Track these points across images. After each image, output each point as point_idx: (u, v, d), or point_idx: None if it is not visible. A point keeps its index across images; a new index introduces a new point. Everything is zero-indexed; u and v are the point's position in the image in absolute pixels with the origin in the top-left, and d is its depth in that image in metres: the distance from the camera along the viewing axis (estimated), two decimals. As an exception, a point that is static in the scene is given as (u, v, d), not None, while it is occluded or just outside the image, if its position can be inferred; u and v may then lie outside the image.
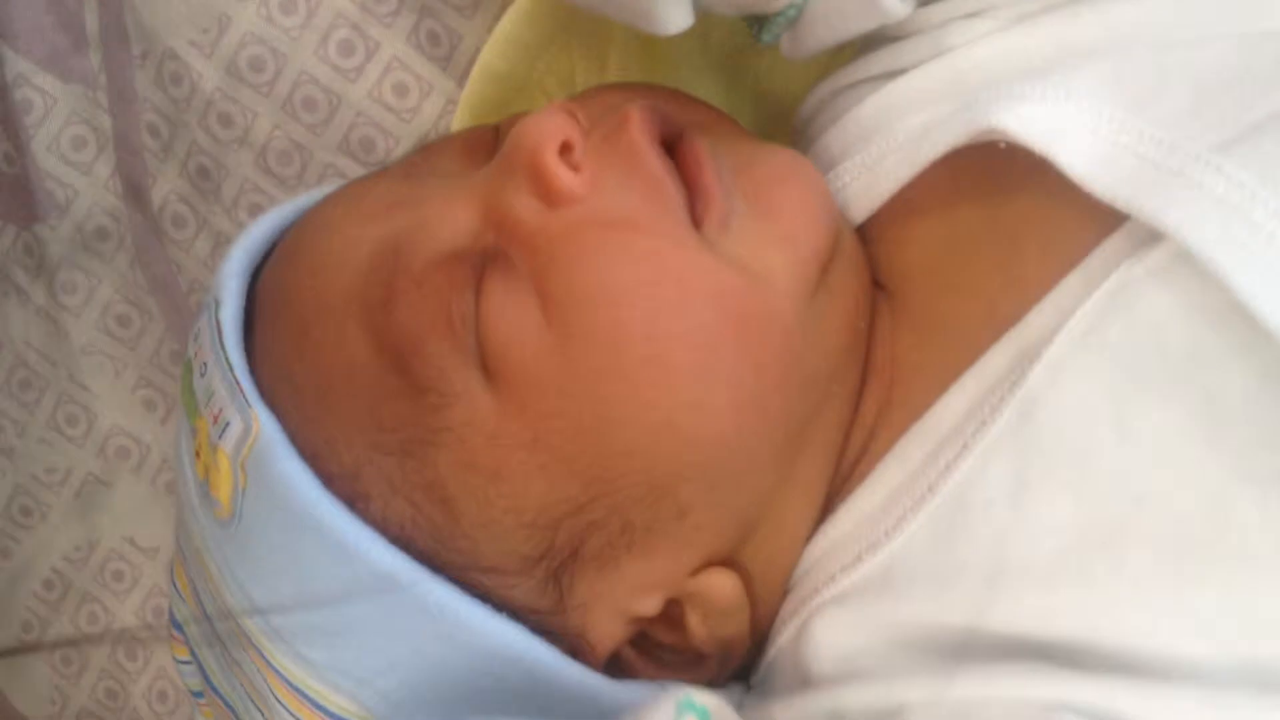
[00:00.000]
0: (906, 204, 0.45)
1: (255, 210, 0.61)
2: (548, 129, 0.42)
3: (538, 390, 0.41)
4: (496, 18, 0.55)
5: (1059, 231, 0.40)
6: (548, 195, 0.42)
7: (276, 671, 0.44)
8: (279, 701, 0.45)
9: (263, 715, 0.47)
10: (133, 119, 0.61)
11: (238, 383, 0.44)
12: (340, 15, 0.57)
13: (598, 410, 0.41)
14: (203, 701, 0.54)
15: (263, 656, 0.44)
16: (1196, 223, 0.36)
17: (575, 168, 0.42)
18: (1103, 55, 0.42)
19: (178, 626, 0.52)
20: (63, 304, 0.64)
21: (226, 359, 0.44)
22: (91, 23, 0.61)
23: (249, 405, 0.43)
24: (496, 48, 0.54)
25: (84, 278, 0.64)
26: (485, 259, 0.42)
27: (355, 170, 0.59)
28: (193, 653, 0.51)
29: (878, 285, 0.46)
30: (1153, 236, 0.37)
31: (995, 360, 0.41)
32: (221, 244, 0.62)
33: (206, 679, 0.50)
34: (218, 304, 0.46)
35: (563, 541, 0.42)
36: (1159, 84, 0.40)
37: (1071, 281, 0.39)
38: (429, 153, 0.49)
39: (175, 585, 0.51)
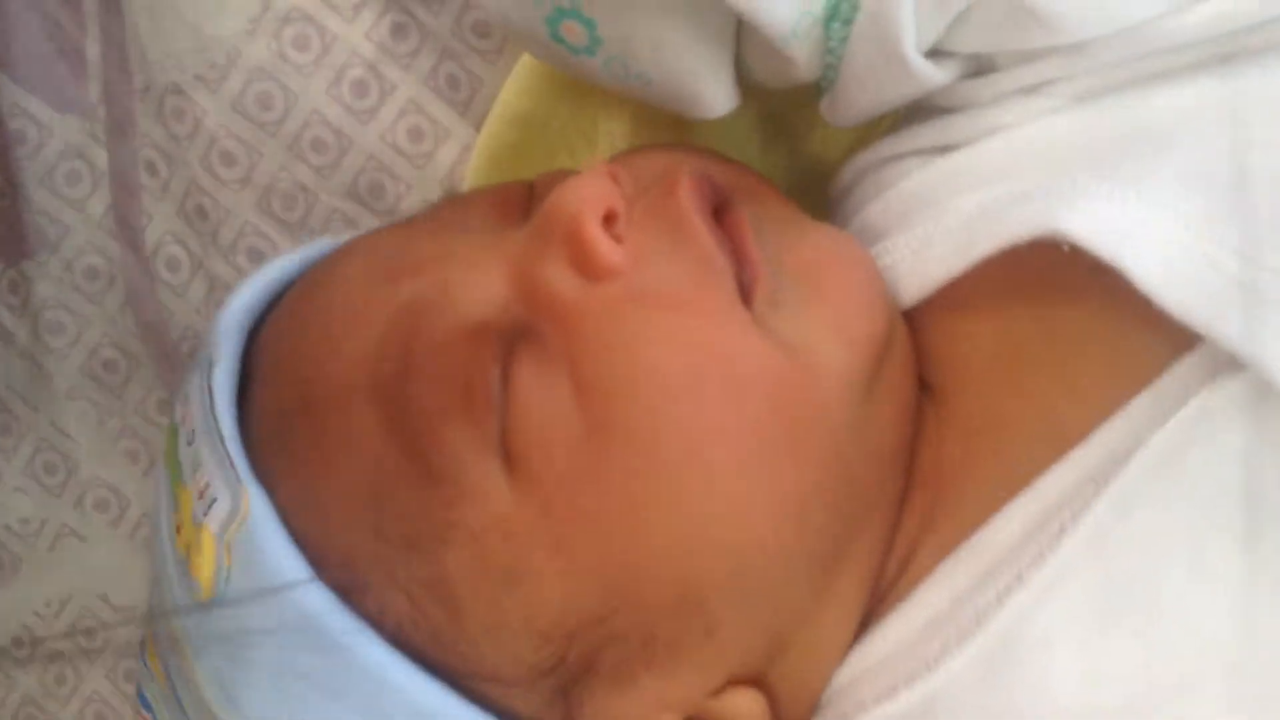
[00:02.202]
0: (956, 294, 0.41)
1: (254, 254, 0.57)
2: (590, 195, 0.39)
3: (565, 486, 0.37)
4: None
5: (1127, 344, 0.37)
6: (588, 269, 0.39)
7: None
8: None
9: None
10: (130, 154, 0.59)
11: (229, 456, 0.40)
12: (355, 54, 0.55)
13: (629, 511, 0.37)
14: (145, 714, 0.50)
15: None
16: (1262, 347, 0.34)
17: (618, 239, 0.39)
18: (1177, 145, 0.39)
19: (146, 705, 0.48)
20: (48, 345, 0.61)
21: (218, 428, 0.41)
22: (92, 51, 0.58)
23: (239, 481, 0.40)
24: (518, 84, 0.51)
25: (71, 319, 0.61)
26: (514, 334, 0.39)
27: (363, 216, 0.56)
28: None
29: (922, 382, 0.43)
30: (1234, 362, 0.35)
31: (1056, 481, 0.37)
32: (217, 289, 0.59)
33: None
34: (211, 364, 0.42)
35: (577, 654, 0.39)
36: (1242, 177, 0.37)
37: (1142, 402, 0.36)
38: (456, 206, 0.46)
39: (145, 662, 0.47)
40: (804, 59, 0.43)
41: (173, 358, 0.60)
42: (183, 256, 0.59)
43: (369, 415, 0.39)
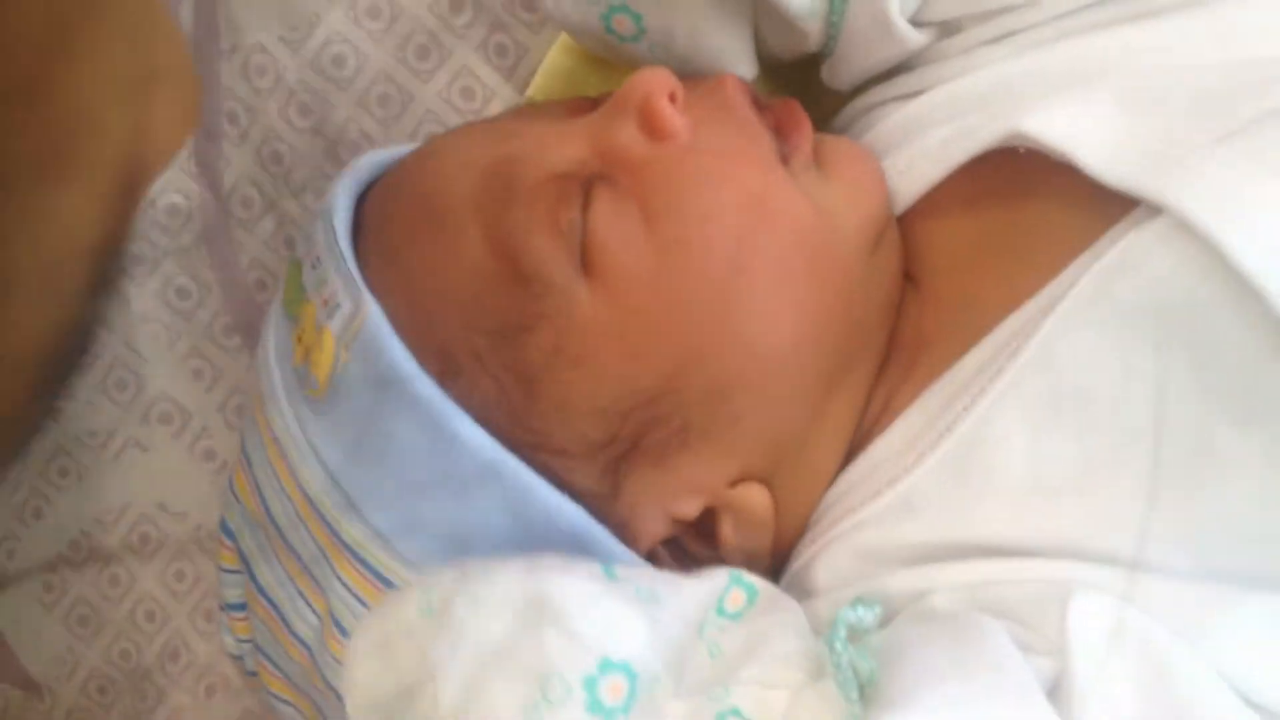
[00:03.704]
0: (934, 203, 0.52)
1: (321, 195, 0.66)
2: (658, 80, 0.50)
3: (633, 288, 0.47)
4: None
5: (1073, 220, 0.46)
6: (658, 131, 0.49)
7: (345, 547, 0.49)
8: (340, 580, 0.49)
9: (311, 609, 0.52)
10: (215, 106, 0.67)
11: (350, 270, 0.49)
12: (419, 23, 0.64)
13: (683, 310, 0.47)
14: (238, 615, 0.58)
15: (332, 532, 0.49)
16: (1193, 196, 0.43)
17: (680, 110, 0.49)
18: (1111, 73, 0.49)
19: (228, 533, 0.56)
20: (130, 274, 0.69)
21: (340, 251, 0.50)
22: (186, 16, 0.67)
23: (360, 289, 0.49)
24: (561, 51, 0.61)
25: (150, 249, 0.69)
26: (593, 179, 0.49)
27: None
28: (242, 556, 0.56)
29: (907, 274, 0.53)
30: (1155, 214, 0.44)
31: (1010, 323, 0.47)
32: (285, 224, 0.68)
33: (253, 579, 0.54)
34: (333, 207, 0.52)
35: (628, 431, 0.48)
36: (1161, 95, 0.48)
37: (1083, 258, 0.45)
38: (536, 108, 0.56)
39: (234, 490, 0.55)
40: (813, 32, 0.54)
41: (240, 286, 0.69)
42: (256, 197, 0.68)
43: (473, 233, 0.49)
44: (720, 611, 0.45)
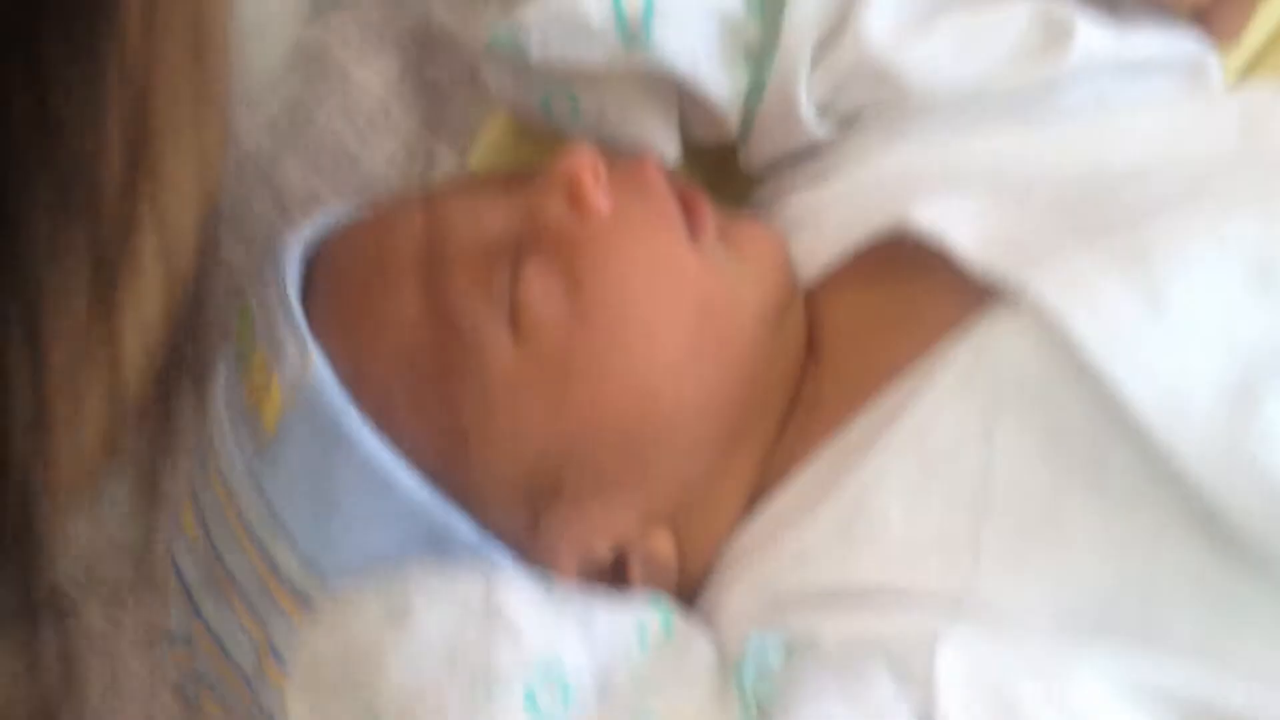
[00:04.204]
0: (835, 280, 0.58)
1: (270, 245, 0.70)
2: (583, 158, 0.55)
3: (554, 349, 0.53)
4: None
5: (950, 301, 0.52)
6: (580, 206, 0.55)
7: (284, 580, 0.53)
8: (279, 611, 0.54)
9: (249, 638, 0.56)
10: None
11: (297, 323, 0.54)
12: (367, 90, 0.69)
13: (598, 371, 0.53)
14: (176, 651, 0.61)
15: (272, 566, 0.53)
16: (1046, 286, 0.48)
17: (603, 188, 0.55)
18: (985, 174, 0.56)
19: (175, 567, 0.60)
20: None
21: (288, 304, 0.55)
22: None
23: (305, 340, 0.54)
24: (499, 129, 0.67)
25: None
26: (523, 248, 0.54)
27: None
28: (185, 587, 0.59)
29: (810, 344, 0.58)
30: (1015, 301, 0.50)
31: (893, 393, 0.52)
32: (233, 274, 0.71)
33: (196, 609, 0.58)
34: (282, 261, 0.57)
35: (546, 479, 0.53)
36: (1026, 196, 0.54)
37: (955, 336, 0.51)
38: (474, 179, 0.62)
39: (180, 525, 0.59)
40: (731, 122, 0.60)
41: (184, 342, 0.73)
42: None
43: (413, 293, 0.54)
44: (641, 636, 0.50)
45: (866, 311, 0.56)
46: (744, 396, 0.55)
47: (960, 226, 0.52)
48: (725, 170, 0.64)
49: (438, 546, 0.52)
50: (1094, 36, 0.56)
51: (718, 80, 0.59)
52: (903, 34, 0.57)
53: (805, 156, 0.61)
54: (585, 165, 0.55)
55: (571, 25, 0.58)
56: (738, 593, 0.54)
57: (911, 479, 0.50)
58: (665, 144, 0.60)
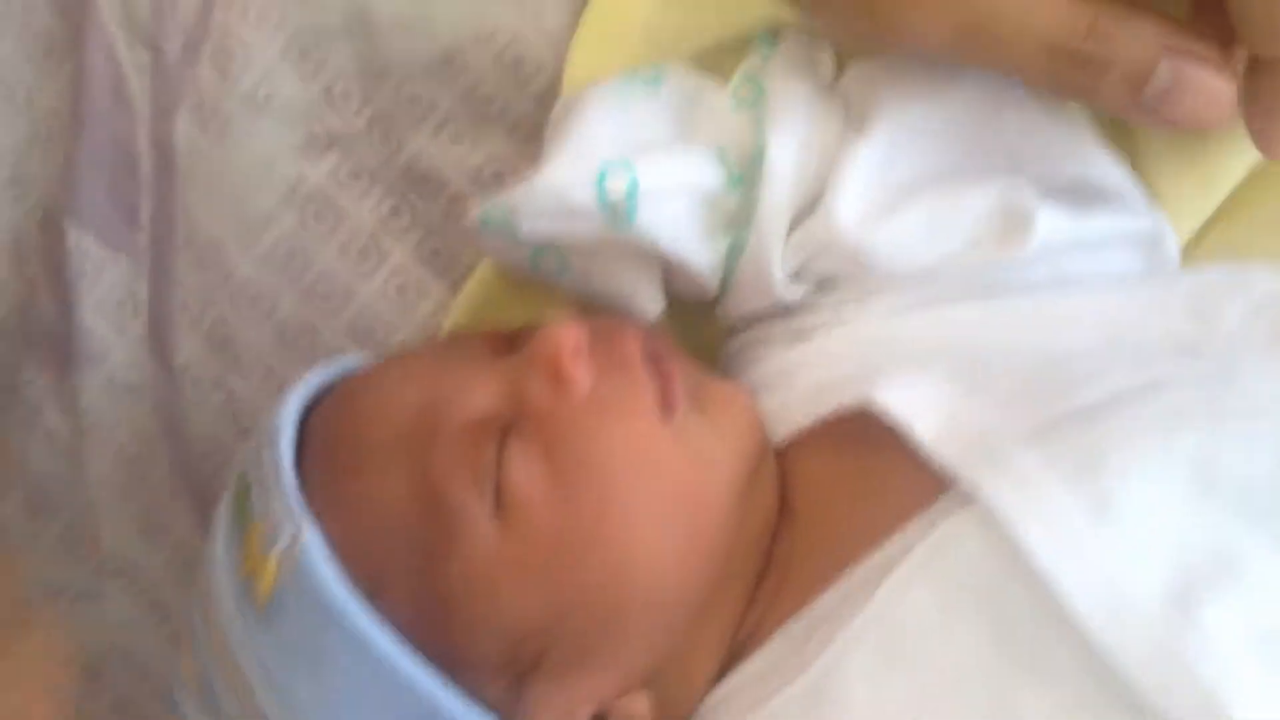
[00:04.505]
0: (806, 442, 0.59)
1: (269, 374, 0.72)
2: (566, 338, 0.57)
3: (536, 529, 0.55)
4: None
5: (917, 477, 0.53)
6: (563, 388, 0.56)
7: None
8: None
9: None
10: (169, 294, 0.73)
11: (290, 498, 0.56)
12: (361, 227, 0.71)
13: (578, 550, 0.54)
14: None
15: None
16: (1000, 490, 0.50)
17: (583, 367, 0.57)
18: (952, 349, 0.57)
19: (178, 709, 0.62)
20: (85, 442, 0.75)
21: (283, 480, 0.57)
22: (145, 209, 0.73)
23: (298, 516, 0.56)
24: (485, 276, 0.68)
25: (106, 420, 0.75)
26: (506, 428, 0.56)
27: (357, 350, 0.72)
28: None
29: (783, 502, 0.59)
30: (972, 499, 0.51)
31: (861, 571, 0.53)
32: (233, 400, 0.74)
33: None
34: (277, 432, 0.59)
35: (529, 652, 0.55)
36: (988, 381, 0.55)
37: (922, 518, 0.52)
38: (457, 341, 0.63)
39: (180, 673, 0.62)
40: (711, 285, 0.62)
41: (189, 455, 0.75)
42: (205, 376, 0.74)
43: (402, 474, 0.56)
44: None
45: (836, 479, 0.57)
46: (718, 563, 0.56)
47: (923, 412, 0.53)
48: (703, 315, 0.65)
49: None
50: (1053, 222, 0.57)
51: (699, 252, 0.61)
52: (871, 215, 0.59)
53: (779, 314, 0.62)
54: (567, 345, 0.57)
55: (558, 208, 0.60)
56: None
57: (874, 663, 0.51)
58: (648, 304, 0.63)
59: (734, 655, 0.57)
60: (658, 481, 0.56)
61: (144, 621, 0.77)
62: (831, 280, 0.61)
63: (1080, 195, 0.58)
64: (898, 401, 0.54)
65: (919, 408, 0.54)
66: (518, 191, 0.61)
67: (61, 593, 0.77)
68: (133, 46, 0.71)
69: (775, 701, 0.53)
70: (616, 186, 0.59)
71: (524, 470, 0.55)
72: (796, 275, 0.61)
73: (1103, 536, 0.48)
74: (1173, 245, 0.60)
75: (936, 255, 0.59)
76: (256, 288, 0.72)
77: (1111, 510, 0.48)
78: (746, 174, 0.61)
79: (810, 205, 0.60)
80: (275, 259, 0.71)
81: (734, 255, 0.61)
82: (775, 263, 0.60)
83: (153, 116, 0.72)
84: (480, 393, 0.57)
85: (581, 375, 0.57)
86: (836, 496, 0.57)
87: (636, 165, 0.60)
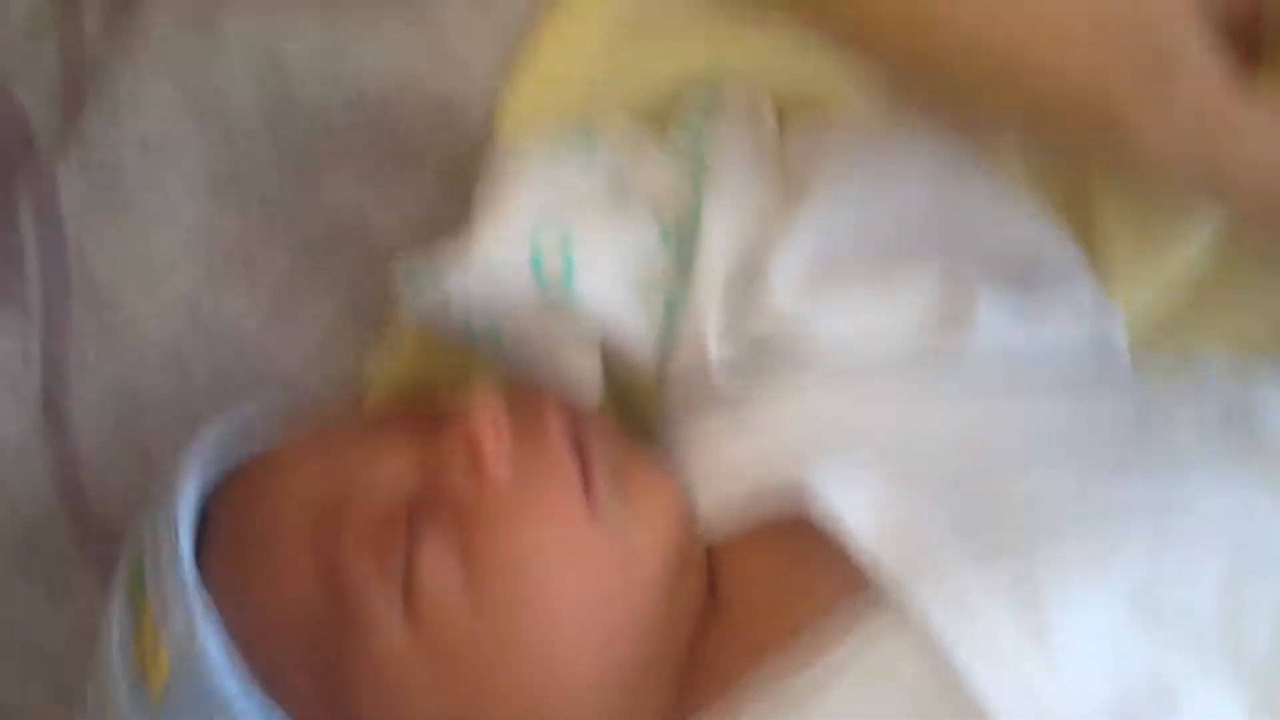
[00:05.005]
0: (738, 536, 0.56)
1: (183, 427, 0.67)
2: (486, 421, 0.54)
3: (447, 630, 0.52)
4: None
5: (844, 574, 0.51)
6: (480, 477, 0.53)
7: None
8: None
9: None
10: (63, 348, 0.68)
11: (186, 585, 0.53)
12: (278, 280, 0.66)
13: (494, 654, 0.52)
14: None
15: None
16: (933, 606, 0.48)
17: (502, 453, 0.54)
18: (885, 440, 0.55)
19: None
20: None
21: (179, 564, 0.54)
22: (32, 257, 0.67)
23: (194, 604, 0.53)
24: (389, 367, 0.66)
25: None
26: (420, 517, 0.53)
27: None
28: None
29: (716, 593, 0.57)
30: (904, 608, 0.49)
31: (781, 662, 0.51)
32: (141, 458, 0.69)
33: None
34: (175, 514, 0.55)
35: None
36: (923, 474, 0.53)
37: (844, 615, 0.50)
38: (375, 416, 0.60)
39: None
40: (650, 362, 0.59)
41: (90, 520, 0.70)
42: (107, 435, 0.69)
43: (307, 570, 0.53)
44: None
45: (767, 573, 0.55)
46: (644, 657, 0.54)
47: (856, 510, 0.51)
48: (643, 396, 0.63)
49: None
50: (994, 321, 0.56)
51: (636, 326, 0.58)
52: (808, 288, 0.57)
53: (718, 401, 0.59)
54: (487, 427, 0.54)
55: (491, 280, 0.57)
56: None
57: None
58: (586, 389, 0.60)
59: None
60: (579, 581, 0.53)
61: (42, 700, 0.72)
62: (766, 347, 0.58)
63: (1026, 274, 0.57)
64: (829, 495, 0.52)
65: (851, 503, 0.51)
66: (449, 259, 0.57)
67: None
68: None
69: None
70: (551, 252, 0.56)
71: (436, 568, 0.52)
72: (729, 335, 0.58)
73: (1040, 664, 0.46)
74: (1119, 330, 0.59)
75: (874, 338, 0.57)
76: (162, 342, 0.67)
77: (1049, 634, 0.47)
78: (682, 231, 0.59)
79: (747, 268, 0.58)
80: (181, 312, 0.66)
81: (670, 315, 0.58)
82: (710, 318, 0.57)
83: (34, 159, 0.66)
84: (395, 478, 0.54)
85: (500, 465, 0.54)
86: (766, 592, 0.55)
87: (572, 230, 0.57)
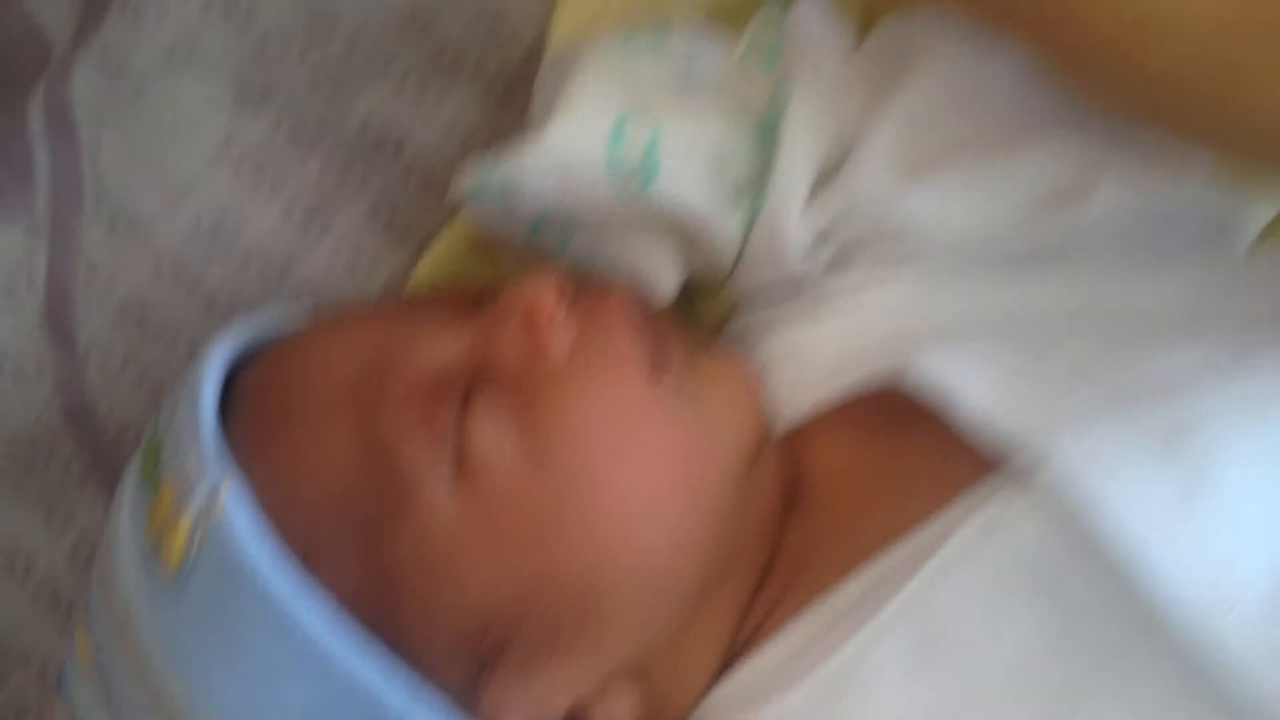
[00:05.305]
0: (817, 427, 0.54)
1: (194, 351, 0.65)
2: (544, 291, 0.51)
3: (505, 497, 0.48)
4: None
5: (953, 462, 0.48)
6: (537, 349, 0.50)
7: None
8: None
9: None
10: (69, 266, 0.64)
11: (208, 447, 0.49)
12: (305, 189, 0.63)
13: (554, 523, 0.48)
14: None
15: (171, 713, 0.49)
16: (1071, 464, 0.44)
17: (561, 325, 0.51)
18: (994, 322, 0.53)
19: (65, 693, 0.55)
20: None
21: (203, 431, 0.49)
22: (42, 168, 0.64)
23: (217, 468, 0.48)
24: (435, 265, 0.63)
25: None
26: (472, 383, 0.49)
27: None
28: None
29: (791, 492, 0.55)
30: (1029, 471, 0.45)
31: (890, 558, 0.49)
32: (148, 380, 0.66)
33: None
34: (199, 381, 0.51)
35: (492, 638, 0.49)
36: (1043, 354, 0.50)
37: (961, 504, 0.48)
38: (416, 298, 0.57)
39: (73, 653, 0.55)
40: (728, 261, 0.57)
41: (99, 437, 0.67)
42: (116, 355, 0.66)
43: (345, 425, 0.49)
44: None
45: (856, 465, 0.53)
46: (715, 548, 0.51)
47: (970, 383, 0.47)
48: (702, 294, 0.61)
49: (366, 714, 0.47)
50: (1116, 193, 0.51)
51: (718, 220, 0.55)
52: (904, 177, 0.54)
53: (790, 292, 0.57)
54: (546, 301, 0.51)
55: (567, 174, 0.54)
56: None
57: (908, 659, 0.47)
58: (662, 282, 0.57)
59: (736, 652, 0.53)
60: (646, 450, 0.50)
61: (39, 620, 0.69)
62: (854, 250, 0.56)
63: (1145, 150, 0.51)
64: (934, 372, 0.49)
65: (963, 376, 0.48)
66: (519, 155, 0.54)
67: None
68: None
69: (791, 695, 0.49)
70: (636, 141, 0.53)
71: (491, 433, 0.48)
72: (817, 243, 0.56)
73: (1198, 520, 0.42)
74: (1244, 219, 0.53)
75: (980, 221, 0.53)
76: (180, 257, 0.64)
77: (1207, 490, 0.42)
78: (764, 126, 0.57)
79: (833, 169, 0.56)
80: (202, 226, 0.64)
81: (752, 209, 0.56)
82: (791, 229, 0.55)
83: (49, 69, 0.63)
84: (440, 347, 0.51)
85: (559, 333, 0.51)
86: (860, 485, 0.53)
87: (659, 122, 0.54)
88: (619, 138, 0.54)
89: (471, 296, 0.55)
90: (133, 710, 0.51)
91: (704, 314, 0.62)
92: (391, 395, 0.49)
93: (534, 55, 0.60)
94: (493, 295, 0.53)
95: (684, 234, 0.57)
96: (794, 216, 0.55)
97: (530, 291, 0.51)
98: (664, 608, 0.51)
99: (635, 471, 0.50)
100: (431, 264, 0.64)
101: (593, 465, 0.49)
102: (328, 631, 0.47)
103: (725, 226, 0.56)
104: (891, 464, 0.52)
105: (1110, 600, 0.44)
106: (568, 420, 0.49)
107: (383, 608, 0.48)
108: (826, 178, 0.56)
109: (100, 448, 0.67)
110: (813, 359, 0.55)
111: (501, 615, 0.49)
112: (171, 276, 0.64)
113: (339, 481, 0.49)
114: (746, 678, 0.52)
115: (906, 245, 0.55)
